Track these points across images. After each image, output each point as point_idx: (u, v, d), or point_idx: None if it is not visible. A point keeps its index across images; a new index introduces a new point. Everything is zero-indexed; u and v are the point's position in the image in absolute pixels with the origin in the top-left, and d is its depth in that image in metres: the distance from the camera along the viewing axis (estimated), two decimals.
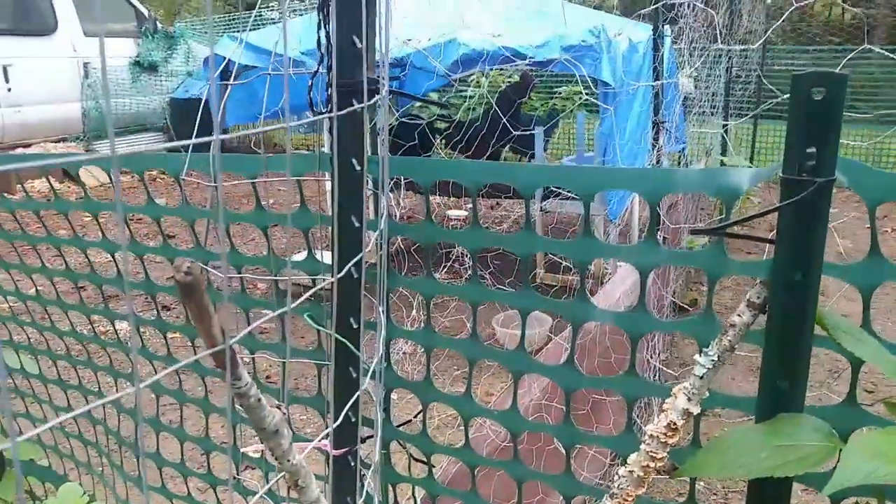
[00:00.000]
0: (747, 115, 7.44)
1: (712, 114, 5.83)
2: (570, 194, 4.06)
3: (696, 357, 0.94)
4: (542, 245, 1.04)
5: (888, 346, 0.89)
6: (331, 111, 1.00)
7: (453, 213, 6.46)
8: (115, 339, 1.74)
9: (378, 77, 1.04)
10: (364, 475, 1.29)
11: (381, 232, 1.17)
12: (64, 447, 1.99)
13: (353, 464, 1.26)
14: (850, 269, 0.88)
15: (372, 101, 0.97)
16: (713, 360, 0.94)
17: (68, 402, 1.90)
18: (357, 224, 1.13)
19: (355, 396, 1.20)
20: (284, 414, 0.70)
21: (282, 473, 0.70)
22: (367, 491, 1.30)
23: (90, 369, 1.81)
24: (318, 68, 1.01)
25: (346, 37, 1.00)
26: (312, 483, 0.74)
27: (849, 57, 2.17)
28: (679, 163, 5.41)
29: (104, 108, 7.89)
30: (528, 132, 4.64)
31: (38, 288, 1.81)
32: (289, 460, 0.70)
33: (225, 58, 4.78)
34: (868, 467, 0.73)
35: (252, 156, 1.26)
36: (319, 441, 1.28)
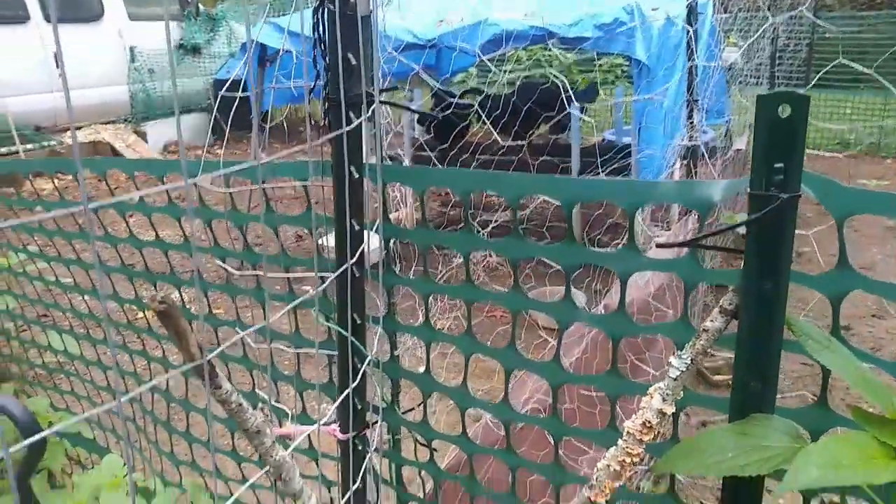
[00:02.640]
0: (796, 84, 7.21)
1: (758, 84, 5.67)
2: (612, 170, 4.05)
3: (671, 359, 0.98)
4: (529, 250, 1.08)
5: (859, 354, 0.91)
6: (329, 126, 1.06)
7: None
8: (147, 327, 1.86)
9: (373, 90, 1.09)
10: (371, 457, 1.38)
11: (380, 234, 1.23)
12: (106, 423, 2.14)
13: (360, 447, 1.34)
14: (818, 279, 0.91)
15: (367, 114, 1.02)
16: (686, 363, 0.98)
17: (107, 381, 2.04)
18: (357, 227, 1.20)
19: (352, 385, 1.28)
20: (266, 416, 0.77)
21: (265, 469, 0.78)
22: (373, 471, 1.39)
23: (126, 353, 1.94)
24: (314, 83, 1.07)
25: (342, 54, 1.05)
26: (296, 476, 0.82)
27: None
28: (724, 136, 5.29)
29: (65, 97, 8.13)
30: (559, 114, 4.62)
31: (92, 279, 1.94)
32: (272, 456, 0.78)
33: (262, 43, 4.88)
34: (815, 474, 0.77)
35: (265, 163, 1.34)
36: (326, 426, 1.37)
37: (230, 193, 1.34)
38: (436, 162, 4.18)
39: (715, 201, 0.93)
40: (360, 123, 1.08)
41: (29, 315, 2.17)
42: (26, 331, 2.29)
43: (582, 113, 5.81)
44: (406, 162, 5.35)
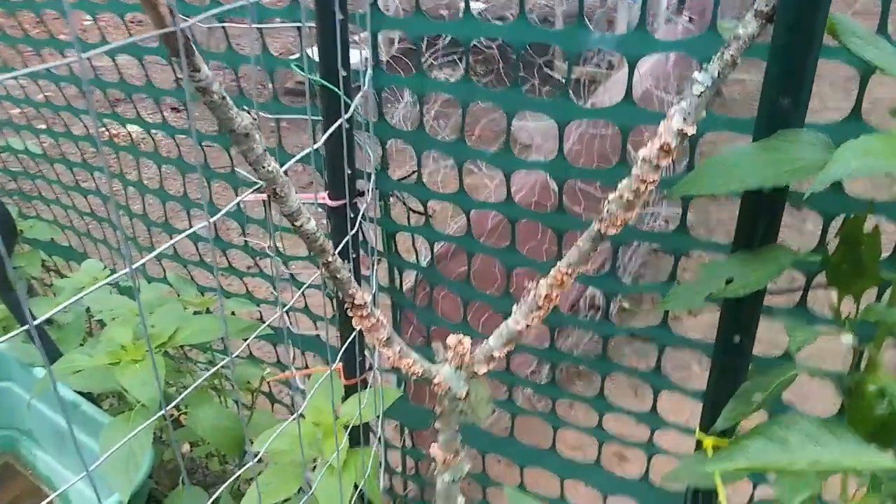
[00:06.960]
0: None
1: None
2: None
3: (695, 74, 0.89)
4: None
5: None
6: None
7: (475, 5, 6.11)
8: (127, 143, 1.71)
9: None
10: (362, 225, 1.32)
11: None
12: (80, 227, 2.05)
13: (351, 215, 1.28)
14: None
15: None
16: (713, 77, 0.89)
17: (75, 180, 1.92)
18: None
19: (341, 121, 1.18)
20: (255, 120, 0.67)
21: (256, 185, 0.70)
22: (366, 240, 1.34)
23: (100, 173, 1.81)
24: None
25: None
26: (292, 193, 0.74)
27: None
28: None
29: None
30: None
31: (47, 95, 1.76)
32: (264, 166, 0.69)
33: None
34: (854, 164, 0.71)
35: None
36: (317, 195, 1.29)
37: None
38: None
39: None
40: None
41: None
42: None
43: None
44: None
